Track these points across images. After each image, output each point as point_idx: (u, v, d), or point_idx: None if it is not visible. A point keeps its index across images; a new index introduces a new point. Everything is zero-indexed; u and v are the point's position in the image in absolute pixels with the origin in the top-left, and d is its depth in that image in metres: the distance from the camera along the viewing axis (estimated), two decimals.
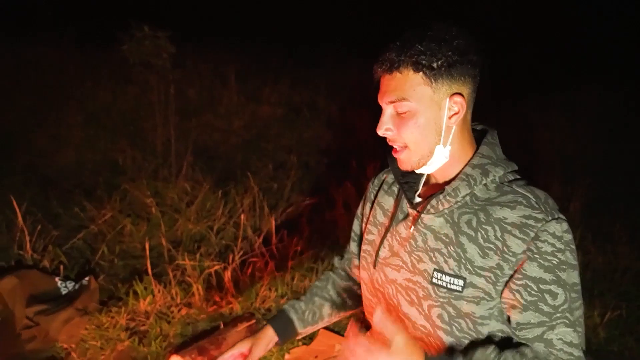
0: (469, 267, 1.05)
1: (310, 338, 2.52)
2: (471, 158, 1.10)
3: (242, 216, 3.16)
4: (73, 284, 2.67)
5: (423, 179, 1.23)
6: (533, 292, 1.01)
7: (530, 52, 7.17)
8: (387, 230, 1.22)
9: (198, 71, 6.09)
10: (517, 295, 1.02)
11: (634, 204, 3.83)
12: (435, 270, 1.09)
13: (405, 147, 1.08)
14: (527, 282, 1.01)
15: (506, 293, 1.04)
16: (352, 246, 1.45)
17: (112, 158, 4.29)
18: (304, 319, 1.42)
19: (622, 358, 2.52)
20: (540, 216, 1.00)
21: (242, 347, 1.36)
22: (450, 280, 1.07)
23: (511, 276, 1.03)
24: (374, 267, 1.25)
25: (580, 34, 7.58)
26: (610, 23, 7.67)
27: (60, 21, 6.57)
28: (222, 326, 2.47)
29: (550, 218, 1.01)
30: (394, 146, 1.11)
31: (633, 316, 2.78)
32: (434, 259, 1.10)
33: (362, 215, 1.39)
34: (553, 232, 1.00)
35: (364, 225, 1.36)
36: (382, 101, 1.09)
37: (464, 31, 1.05)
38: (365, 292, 1.33)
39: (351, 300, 1.49)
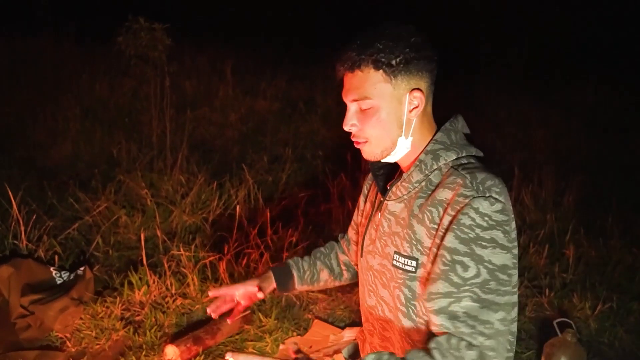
0: (420, 248, 1.09)
1: (304, 328, 2.54)
2: (426, 145, 1.14)
3: (238, 207, 3.17)
4: (68, 273, 2.68)
5: (398, 170, 1.27)
6: (446, 262, 1.02)
7: (526, 50, 7.19)
8: (368, 219, 1.30)
9: (195, 64, 6.09)
10: (434, 266, 1.05)
11: (626, 199, 3.87)
12: (395, 252, 1.15)
13: (366, 141, 1.14)
14: (443, 251, 1.03)
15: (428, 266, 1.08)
16: (352, 233, 1.52)
17: (108, 150, 4.29)
18: (304, 278, 1.51)
19: (612, 349, 2.55)
20: (469, 193, 1.03)
21: (252, 285, 1.43)
22: (405, 261, 1.12)
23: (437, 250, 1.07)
24: (361, 256, 1.32)
25: (575, 31, 7.61)
26: (605, 21, 7.69)
27: (58, 15, 6.54)
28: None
29: (478, 195, 1.02)
30: (355, 140, 1.16)
31: (624, 308, 2.81)
32: (394, 242, 1.16)
33: (359, 207, 1.47)
34: (477, 207, 1.01)
35: (359, 217, 1.45)
36: (346, 99, 1.15)
37: (418, 28, 1.09)
38: (359, 282, 1.38)
39: (348, 273, 1.58)
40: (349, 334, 2.44)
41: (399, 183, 1.15)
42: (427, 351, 0.99)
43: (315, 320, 2.58)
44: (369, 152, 1.15)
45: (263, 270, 2.69)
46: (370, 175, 1.42)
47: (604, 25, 7.62)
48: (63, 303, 2.40)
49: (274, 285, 1.47)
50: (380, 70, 1.07)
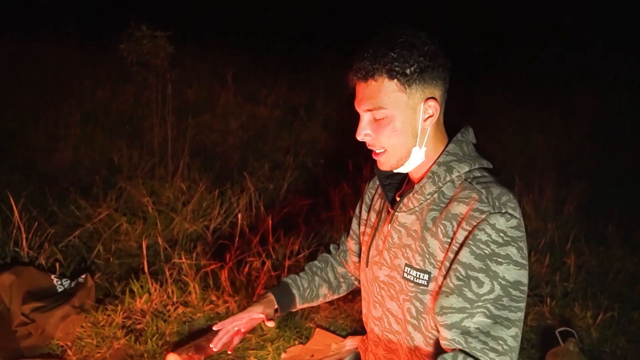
0: (433, 262, 1.09)
1: (306, 337, 2.54)
2: (439, 156, 1.13)
3: (239, 215, 3.17)
4: (69, 281, 2.67)
5: (406, 179, 1.27)
6: (460, 277, 1.02)
7: (527, 56, 7.21)
8: (375, 230, 1.28)
9: (196, 71, 6.10)
10: (447, 280, 1.04)
11: (627, 207, 3.87)
12: (406, 265, 1.14)
13: (384, 150, 1.12)
14: (457, 266, 1.03)
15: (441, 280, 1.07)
16: (351, 244, 1.49)
17: (109, 157, 4.29)
18: (304, 296, 1.47)
19: (614, 358, 2.55)
20: (485, 208, 1.02)
21: (256, 313, 1.37)
22: (417, 274, 1.11)
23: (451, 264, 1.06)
24: (366, 267, 1.30)
25: (576, 36, 7.63)
26: (606, 26, 7.72)
27: (59, 18, 6.55)
28: None
29: (494, 211, 1.02)
30: (372, 149, 1.15)
31: (625, 317, 2.81)
32: (405, 254, 1.15)
33: (360, 216, 1.44)
34: (494, 223, 1.01)
35: (362, 227, 1.41)
36: (359, 108, 1.13)
37: (431, 35, 1.08)
38: (362, 292, 1.36)
39: (345, 285, 1.56)
40: (351, 343, 2.43)
41: (410, 195, 1.15)
42: None
43: (317, 329, 2.58)
44: (386, 162, 1.14)
45: (261, 292, 2.69)
46: (371, 184, 1.41)
47: (605, 30, 7.64)
48: (64, 311, 2.40)
49: (275, 307, 1.42)
50: (395, 80, 1.06)
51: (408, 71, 1.05)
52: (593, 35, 7.47)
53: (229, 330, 1.33)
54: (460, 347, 1.00)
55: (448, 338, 1.03)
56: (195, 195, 3.60)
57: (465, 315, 1.01)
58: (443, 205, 1.10)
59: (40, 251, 2.87)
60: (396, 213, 1.19)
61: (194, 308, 2.64)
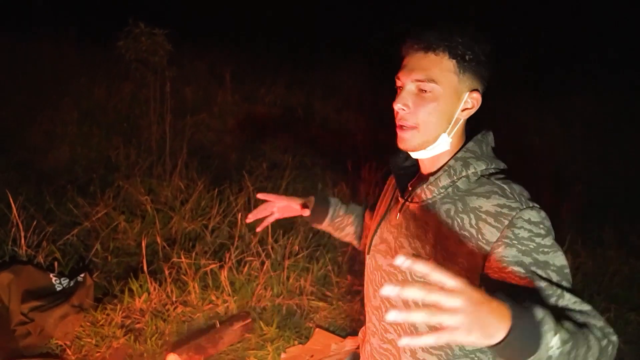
0: (443, 253, 1.09)
1: (306, 337, 2.54)
2: (458, 151, 1.14)
3: (239, 215, 3.16)
4: (68, 280, 2.66)
5: (418, 172, 1.27)
6: (522, 274, 1.00)
7: (524, 59, 7.25)
8: (381, 218, 1.28)
9: (194, 70, 6.09)
10: (510, 281, 1.00)
11: (623, 209, 3.90)
12: (413, 255, 1.14)
13: (415, 127, 1.12)
14: (513, 267, 1.00)
15: (497, 284, 1.03)
16: (367, 218, 1.52)
17: (106, 155, 4.27)
18: (334, 220, 1.53)
19: None
20: (514, 205, 1.03)
21: (295, 203, 1.49)
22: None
23: (485, 265, 1.04)
24: (368, 254, 1.31)
25: (574, 38, 7.67)
26: (604, 27, 7.76)
27: (57, 16, 6.52)
28: (218, 324, 2.48)
29: (524, 206, 1.03)
30: (402, 124, 1.13)
31: (622, 318, 2.83)
32: (413, 244, 1.15)
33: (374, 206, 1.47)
34: (528, 218, 1.01)
35: (371, 215, 1.45)
36: (408, 77, 1.11)
37: (489, 38, 1.13)
38: (364, 280, 1.36)
39: (361, 241, 1.59)
40: (351, 343, 2.44)
41: (424, 186, 1.15)
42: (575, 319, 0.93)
43: (317, 329, 2.58)
44: (411, 140, 1.12)
45: (260, 291, 2.75)
46: (389, 179, 1.41)
47: (602, 32, 7.69)
48: (63, 310, 2.39)
49: (312, 207, 1.51)
50: (454, 60, 1.08)
51: (467, 57, 1.09)
52: (591, 39, 7.51)
53: (267, 209, 1.47)
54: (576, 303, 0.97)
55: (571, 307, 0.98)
56: (193, 194, 3.59)
57: (555, 297, 0.97)
58: (457, 198, 1.11)
59: (38, 250, 2.85)
60: (407, 202, 1.19)
61: (193, 308, 2.64)
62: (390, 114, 1.16)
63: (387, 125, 1.36)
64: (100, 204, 3.40)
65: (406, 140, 1.13)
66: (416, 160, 1.22)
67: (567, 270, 1.02)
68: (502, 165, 1.15)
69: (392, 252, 1.21)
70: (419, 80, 1.10)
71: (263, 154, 4.66)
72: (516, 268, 1.01)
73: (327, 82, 6.41)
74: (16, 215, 2.85)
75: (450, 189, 1.12)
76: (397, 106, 1.11)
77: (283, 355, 2.39)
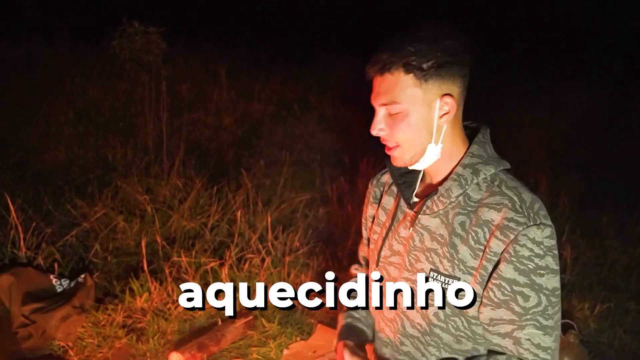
0: (462, 268, 1.08)
1: (308, 333, 2.55)
2: (462, 157, 1.11)
3: (238, 212, 3.16)
4: (68, 281, 2.66)
5: (419, 178, 1.24)
6: (506, 292, 1.03)
7: (519, 51, 7.25)
8: (388, 230, 1.25)
9: (189, 67, 6.06)
10: (491, 293, 1.05)
11: (621, 199, 3.91)
12: (431, 270, 1.12)
13: (398, 145, 1.11)
14: (502, 282, 1.04)
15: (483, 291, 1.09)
16: (366, 251, 1.44)
17: (103, 155, 4.26)
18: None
19: (612, 348, 2.58)
20: (522, 220, 1.02)
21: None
22: (445, 280, 1.10)
23: (490, 275, 1.06)
24: (377, 266, 1.28)
25: (568, 30, 7.68)
26: (598, 20, 7.78)
27: (49, 15, 6.48)
28: (219, 322, 2.48)
29: (531, 223, 1.02)
30: (386, 144, 1.13)
31: (622, 308, 2.85)
32: (430, 258, 1.13)
33: (367, 218, 1.40)
34: (533, 237, 1.01)
35: (369, 224, 1.37)
36: (375, 102, 1.11)
37: (455, 30, 1.06)
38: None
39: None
40: None
41: (435, 197, 1.12)
42: None
43: (319, 325, 2.58)
44: (400, 158, 1.12)
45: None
46: (375, 182, 1.37)
47: (596, 24, 7.70)
48: (65, 311, 2.39)
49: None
50: (411, 74, 1.04)
51: (425, 66, 1.03)
52: (584, 31, 7.52)
53: None
54: (510, 354, 1.05)
55: (501, 345, 1.06)
56: (191, 192, 3.58)
57: (515, 327, 1.03)
58: (471, 209, 1.09)
59: (38, 251, 2.85)
60: (419, 215, 1.16)
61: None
62: None
63: None
64: (99, 204, 3.39)
65: (396, 158, 1.13)
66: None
67: (558, 293, 1.05)
68: (508, 165, 1.13)
69: (406, 266, 1.18)
70: (384, 104, 1.08)
71: (260, 151, 4.65)
72: (505, 284, 1.04)
73: (323, 76, 6.40)
74: (15, 217, 2.84)
75: (461, 198, 1.10)
76: (373, 132, 1.11)
77: (285, 352, 2.40)
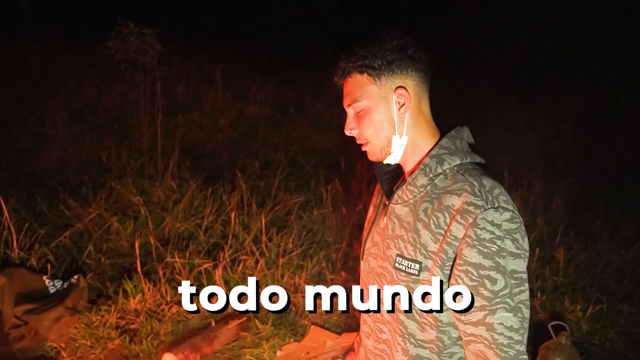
0: (423, 252, 1.13)
1: (301, 335, 2.55)
2: (431, 149, 1.19)
3: (232, 214, 3.16)
4: (61, 282, 2.65)
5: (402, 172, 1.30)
6: (473, 278, 1.06)
7: (514, 56, 7.28)
8: (372, 223, 1.33)
9: (183, 68, 6.06)
10: (459, 280, 1.09)
11: (614, 202, 3.93)
12: (397, 255, 1.18)
13: (367, 142, 1.21)
14: (468, 267, 1.07)
15: (450, 279, 1.12)
16: None
17: (97, 156, 4.25)
18: None
19: (604, 350, 2.60)
20: (480, 203, 1.06)
21: None
22: (408, 264, 1.15)
23: (454, 261, 1.10)
24: (362, 259, 1.34)
25: (563, 35, 7.71)
26: (592, 24, 7.82)
27: (44, 16, 6.46)
28: (213, 323, 2.48)
29: (489, 206, 1.06)
30: (359, 142, 1.23)
31: (614, 310, 2.86)
32: (397, 245, 1.19)
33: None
34: (492, 219, 1.05)
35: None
36: (345, 105, 1.22)
37: (405, 32, 1.18)
38: (360, 284, 1.38)
39: None
40: (347, 339, 2.45)
41: (404, 187, 1.19)
42: None
43: (312, 326, 2.58)
44: (371, 153, 1.22)
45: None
46: (378, 186, 1.44)
47: (591, 28, 7.74)
48: (57, 312, 2.38)
49: None
50: (365, 74, 1.16)
51: (376, 64, 1.15)
52: (581, 33, 7.56)
53: None
54: (486, 342, 1.06)
55: (474, 334, 1.08)
56: (186, 193, 3.58)
57: (486, 312, 1.06)
58: (434, 196, 1.14)
59: (31, 252, 2.84)
60: (391, 205, 1.23)
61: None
62: None
63: None
64: (92, 205, 3.38)
65: (369, 153, 1.22)
66: (398, 164, 1.26)
67: (519, 275, 1.08)
68: (479, 159, 1.18)
69: (380, 254, 1.24)
70: (350, 105, 1.19)
71: (255, 152, 4.66)
72: (471, 269, 1.07)
73: (318, 78, 6.41)
74: (7, 217, 2.83)
75: (429, 187, 1.16)
76: (346, 132, 1.22)
77: (279, 353, 2.40)
